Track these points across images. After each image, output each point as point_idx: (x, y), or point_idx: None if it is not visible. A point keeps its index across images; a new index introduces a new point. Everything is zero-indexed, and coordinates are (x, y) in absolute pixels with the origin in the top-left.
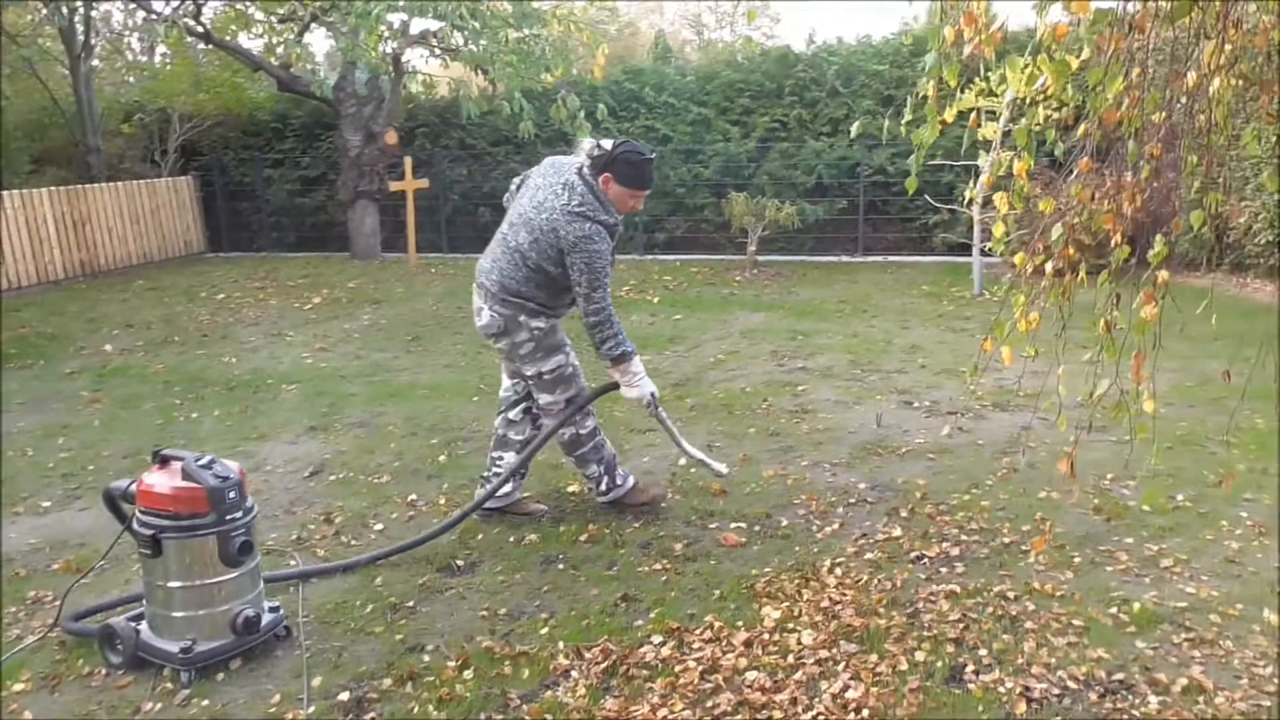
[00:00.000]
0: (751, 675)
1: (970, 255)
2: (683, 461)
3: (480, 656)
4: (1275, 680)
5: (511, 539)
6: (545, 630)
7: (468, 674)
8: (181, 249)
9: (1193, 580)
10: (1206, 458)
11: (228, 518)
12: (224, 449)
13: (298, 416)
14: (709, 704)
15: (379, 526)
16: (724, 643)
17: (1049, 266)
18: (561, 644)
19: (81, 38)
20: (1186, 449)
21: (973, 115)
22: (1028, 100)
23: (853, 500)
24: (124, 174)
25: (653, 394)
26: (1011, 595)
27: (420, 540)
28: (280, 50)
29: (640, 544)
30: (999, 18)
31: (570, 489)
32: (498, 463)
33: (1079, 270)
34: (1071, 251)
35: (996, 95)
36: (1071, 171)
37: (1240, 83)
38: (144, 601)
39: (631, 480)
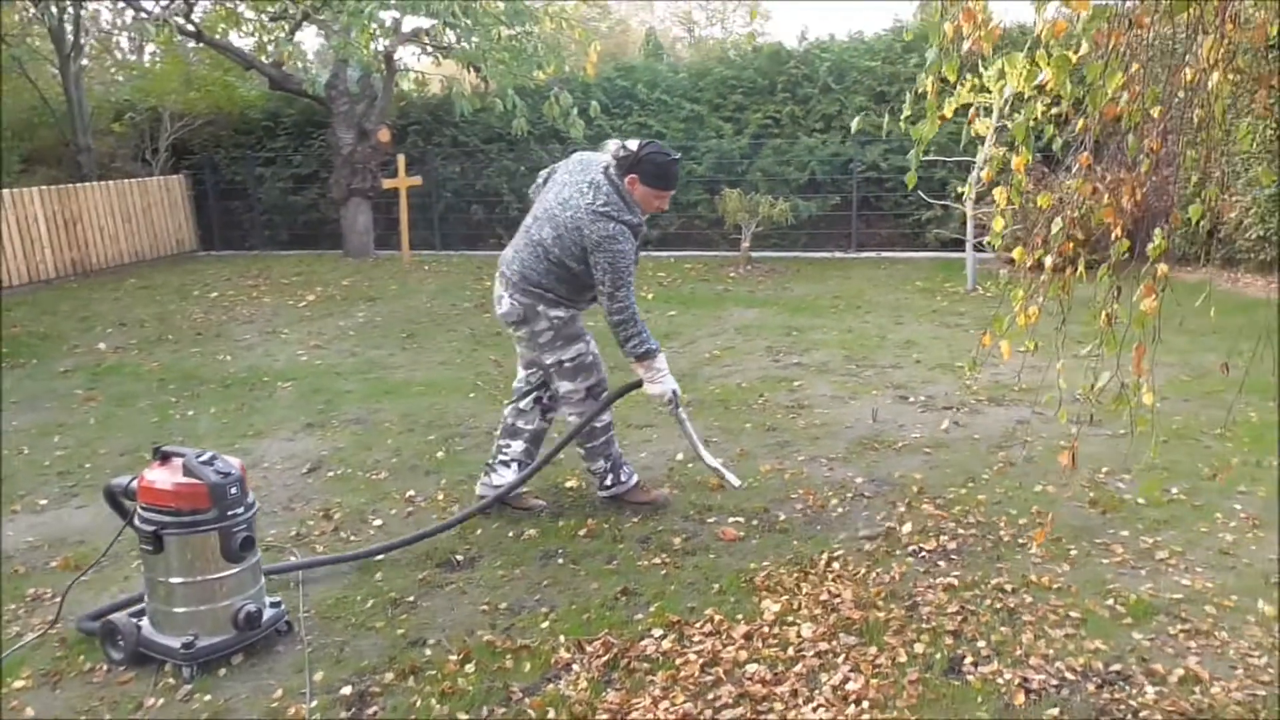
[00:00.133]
0: (752, 668)
1: (963, 251)
2: (680, 456)
3: (481, 650)
4: (1270, 670)
5: (510, 534)
6: (546, 624)
7: (469, 668)
8: (173, 247)
9: (1188, 572)
10: (1201, 451)
11: (229, 513)
12: (221, 446)
13: (294, 413)
14: (710, 696)
15: (378, 522)
16: (724, 636)
17: (1048, 261)
18: (562, 637)
19: (71, 37)
20: (1181, 442)
21: (971, 111)
22: (1025, 95)
23: (850, 495)
24: (115, 173)
25: (675, 391)
26: (1009, 588)
27: (446, 526)
28: (271, 48)
29: (639, 538)
30: (995, 15)
31: (569, 484)
32: (504, 450)
33: (1078, 265)
34: (1071, 246)
35: (989, 91)
36: (1068, 167)
37: (1238, 78)
38: (145, 597)
39: (635, 479)
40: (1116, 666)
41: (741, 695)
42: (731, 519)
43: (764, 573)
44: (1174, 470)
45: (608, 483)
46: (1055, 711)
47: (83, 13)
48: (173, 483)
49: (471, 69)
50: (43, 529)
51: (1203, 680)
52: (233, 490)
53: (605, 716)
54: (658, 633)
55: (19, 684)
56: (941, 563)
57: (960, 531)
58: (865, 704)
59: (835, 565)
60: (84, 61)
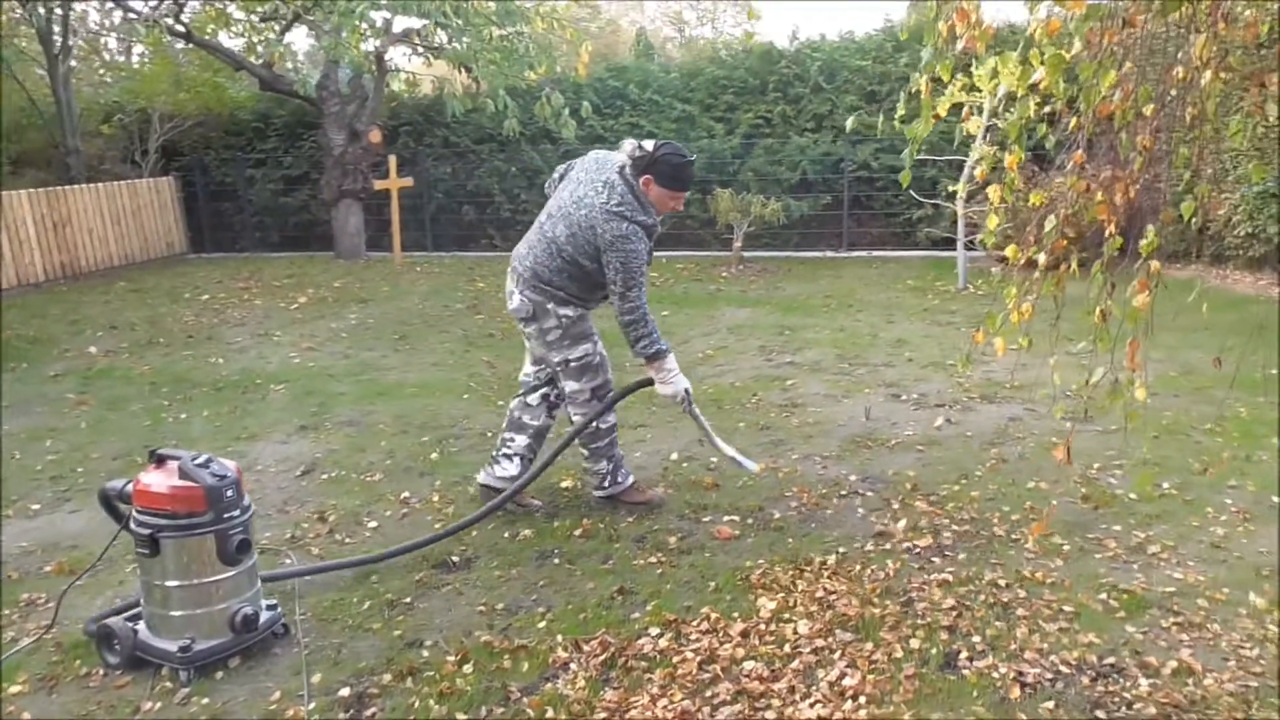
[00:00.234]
0: (749, 665)
1: (954, 250)
2: (674, 456)
3: (479, 651)
4: (1263, 661)
5: (506, 535)
6: (543, 624)
7: (467, 668)
8: (163, 250)
9: (1180, 566)
10: (1191, 446)
11: (225, 516)
12: (214, 449)
13: (287, 416)
14: (708, 694)
15: (373, 524)
16: (721, 634)
17: (1041, 258)
18: (560, 637)
19: (59, 38)
20: (1172, 438)
21: (965, 110)
22: (1019, 94)
23: (844, 492)
24: (104, 175)
25: (687, 390)
26: (1003, 583)
27: (462, 525)
28: (261, 49)
29: (635, 538)
30: (988, 14)
31: (564, 484)
32: (508, 443)
33: (1070, 262)
34: (1064, 243)
35: (979, 90)
36: (1057, 165)
37: (1230, 76)
38: (141, 601)
39: (631, 479)
40: (1110, 659)
41: (739, 692)
42: (727, 518)
43: (760, 571)
44: (1165, 465)
45: (605, 483)
46: (1051, 705)
47: (71, 14)
48: (169, 486)
49: (463, 69)
50: (36, 534)
51: (1196, 672)
52: (229, 493)
53: (604, 715)
54: (655, 631)
55: (15, 689)
56: (936, 559)
57: (954, 528)
58: (862, 699)
59: (831, 562)
60: (72, 63)
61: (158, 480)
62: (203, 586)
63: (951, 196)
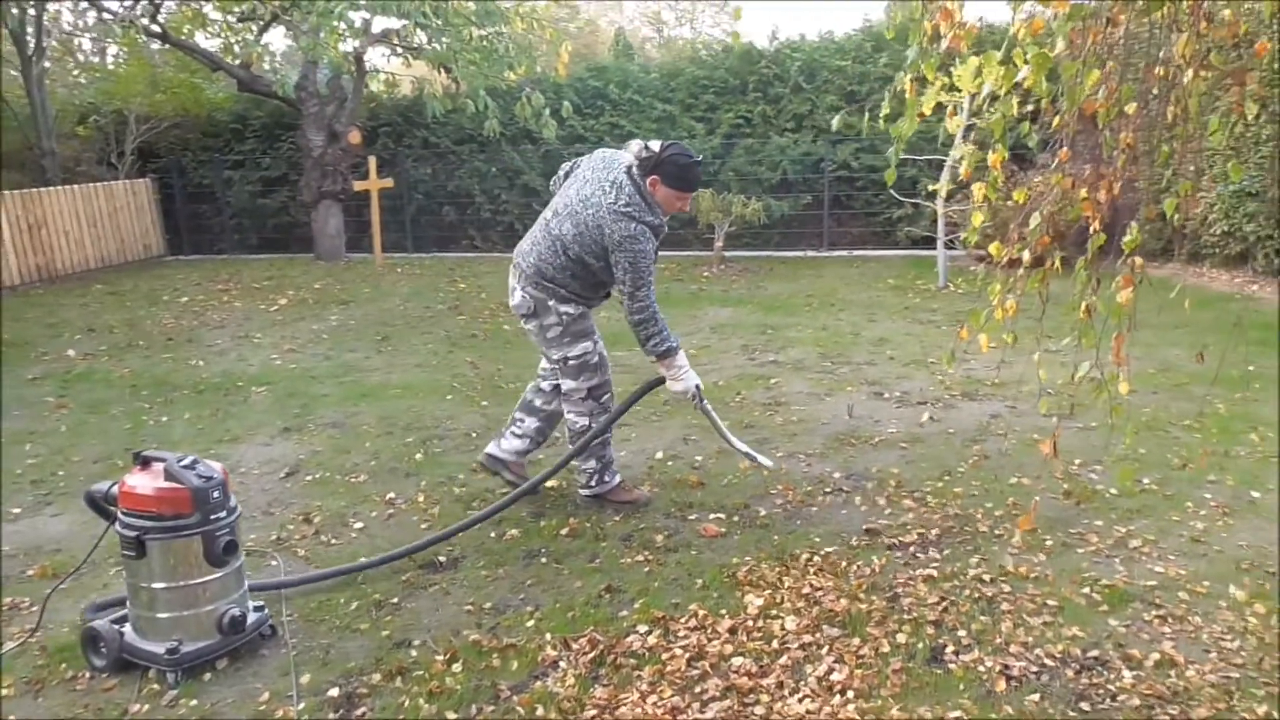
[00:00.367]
0: (737, 661)
1: (934, 249)
2: (659, 454)
3: (468, 650)
4: (1243, 653)
5: (493, 534)
6: (531, 623)
7: (456, 667)
8: (141, 252)
9: (1161, 560)
10: (1171, 442)
11: (212, 518)
12: (197, 452)
13: (270, 418)
14: (697, 690)
15: (359, 525)
16: (709, 630)
17: (1026, 255)
18: (548, 635)
19: (32, 39)
20: (1151, 434)
21: (950, 109)
22: (1004, 92)
23: (828, 489)
24: (80, 177)
25: (698, 386)
26: (987, 578)
27: (483, 517)
28: (239, 49)
29: (621, 537)
30: (971, 14)
31: (549, 484)
32: (518, 423)
33: (1053, 259)
34: (1048, 240)
35: (959, 90)
36: (1040, 164)
37: (1211, 74)
38: (126, 603)
39: (618, 479)
40: (1094, 652)
41: (728, 688)
42: (713, 515)
43: (746, 568)
44: (1145, 461)
45: (592, 482)
46: (1036, 697)
47: (44, 14)
48: (154, 488)
49: (442, 70)
50: (17, 538)
51: (1178, 664)
52: (215, 494)
53: (594, 712)
54: (643, 629)
55: (1, 692)
56: (921, 555)
57: (938, 524)
58: (850, 694)
59: (817, 559)
60: (46, 64)
61: (143, 482)
62: (190, 588)
63: (931, 196)
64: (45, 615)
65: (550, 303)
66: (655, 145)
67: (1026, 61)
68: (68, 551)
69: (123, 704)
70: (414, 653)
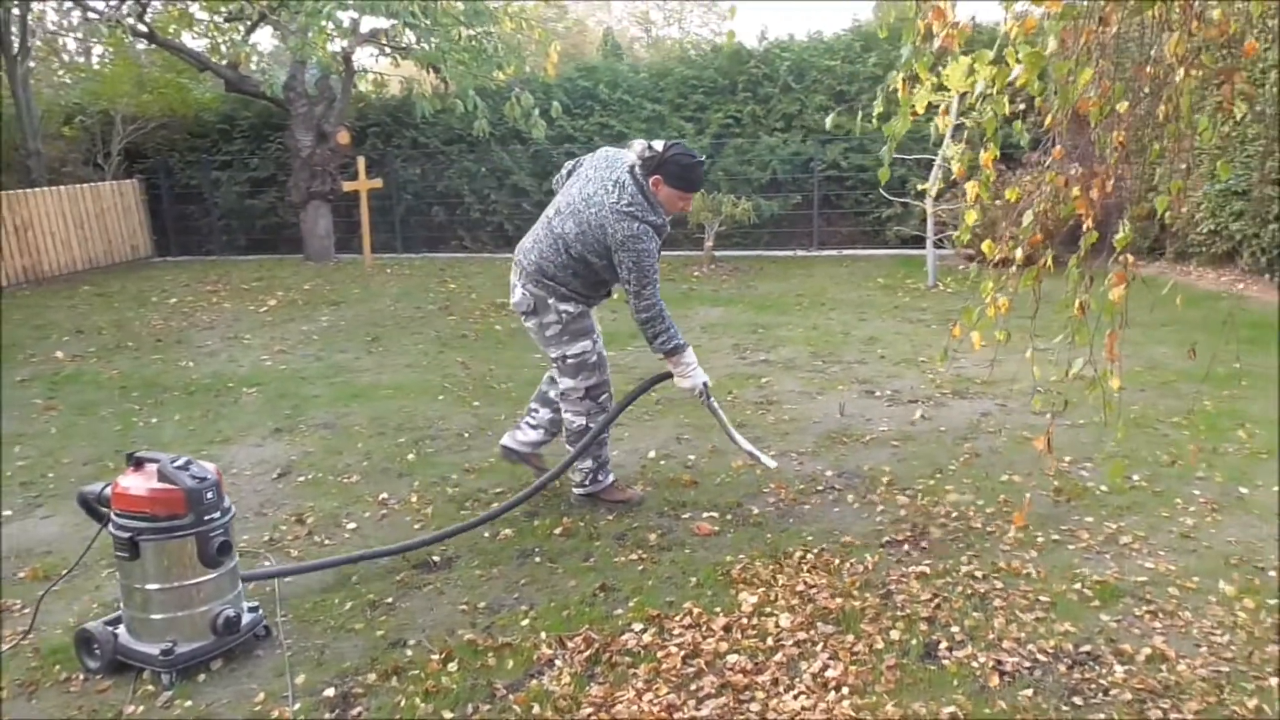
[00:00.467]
0: (732, 658)
1: (923, 248)
2: (652, 454)
3: (463, 649)
4: (1233, 647)
5: (486, 534)
6: (526, 622)
7: (452, 666)
8: (128, 254)
9: (1151, 555)
10: (1159, 439)
11: (206, 518)
12: (188, 453)
13: (261, 419)
14: (693, 687)
15: (352, 525)
16: (704, 628)
17: (1019, 253)
18: (543, 634)
19: (16, 39)
20: (1140, 431)
21: (942, 107)
22: (996, 91)
23: (821, 488)
24: (66, 178)
25: (705, 384)
26: (980, 575)
27: (508, 507)
28: (226, 49)
29: (615, 536)
30: (963, 13)
31: (536, 480)
32: (533, 413)
33: (1046, 257)
34: (1040, 238)
35: (947, 90)
36: (1034, 161)
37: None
38: (120, 605)
39: (611, 478)
40: (1086, 647)
41: (723, 685)
42: (706, 514)
43: (740, 566)
44: (1134, 458)
45: (586, 481)
46: (1029, 692)
47: (29, 14)
48: (148, 488)
49: (431, 70)
50: (8, 540)
51: (1169, 658)
52: (209, 495)
53: (590, 710)
54: (638, 627)
55: None
56: (913, 552)
57: (930, 521)
58: (845, 690)
59: (810, 557)
60: (30, 64)
61: (136, 483)
62: (184, 589)
63: (921, 195)
64: (38, 618)
65: (550, 301)
66: (658, 145)
67: (1019, 61)
68: (58, 554)
69: (117, 705)
70: (409, 652)
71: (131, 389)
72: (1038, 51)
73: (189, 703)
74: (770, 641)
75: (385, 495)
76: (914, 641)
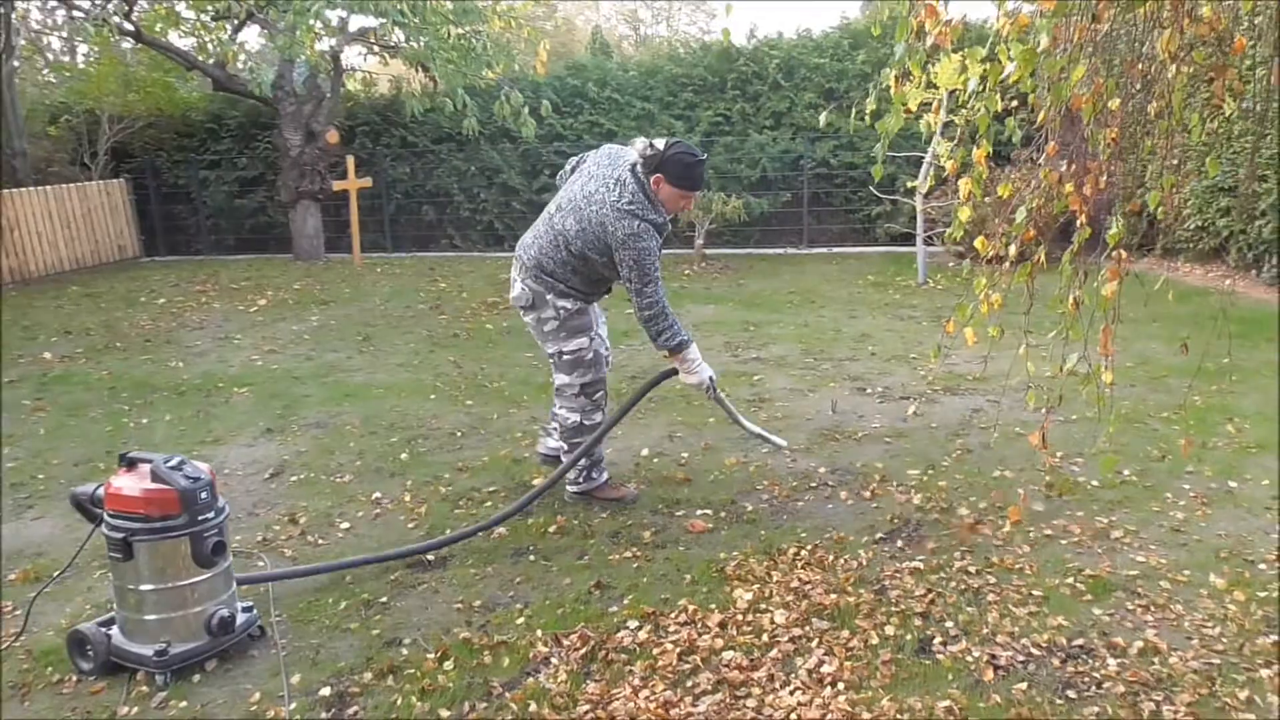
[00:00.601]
0: (728, 655)
1: (913, 245)
2: (645, 451)
3: (459, 648)
4: (1224, 640)
5: (480, 533)
6: (522, 620)
7: (448, 665)
8: (115, 254)
9: (1142, 549)
10: (1150, 434)
11: (200, 519)
12: (179, 454)
13: (253, 419)
14: (689, 684)
15: (345, 525)
16: (699, 625)
17: (1012, 249)
18: (539, 632)
19: (1, 38)
20: (1130, 426)
21: (935, 104)
22: (989, 88)
23: (814, 484)
24: (52, 178)
25: (711, 378)
26: (973, 570)
27: (526, 503)
28: (213, 48)
29: (609, 533)
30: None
31: (535, 481)
32: (555, 417)
33: (1039, 253)
34: (1032, 235)
35: (936, 87)
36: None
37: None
38: (113, 606)
39: (605, 476)
40: (1079, 641)
41: (720, 681)
42: (700, 511)
43: (734, 562)
44: (1124, 453)
45: (580, 479)
46: (1023, 686)
47: (12, 12)
48: (141, 489)
49: (420, 68)
50: None
51: (1161, 651)
52: (203, 495)
53: (586, 707)
54: (633, 624)
55: None
56: (907, 548)
57: (923, 517)
58: (840, 685)
59: (804, 553)
60: (14, 62)
61: (130, 483)
62: (178, 589)
63: (910, 192)
64: (30, 620)
65: (549, 297)
66: (660, 143)
67: (1011, 58)
68: (49, 555)
69: (111, 706)
70: (405, 651)
71: (121, 389)
72: (1031, 48)
73: (184, 703)
74: (765, 638)
75: (378, 495)
76: (909, 637)
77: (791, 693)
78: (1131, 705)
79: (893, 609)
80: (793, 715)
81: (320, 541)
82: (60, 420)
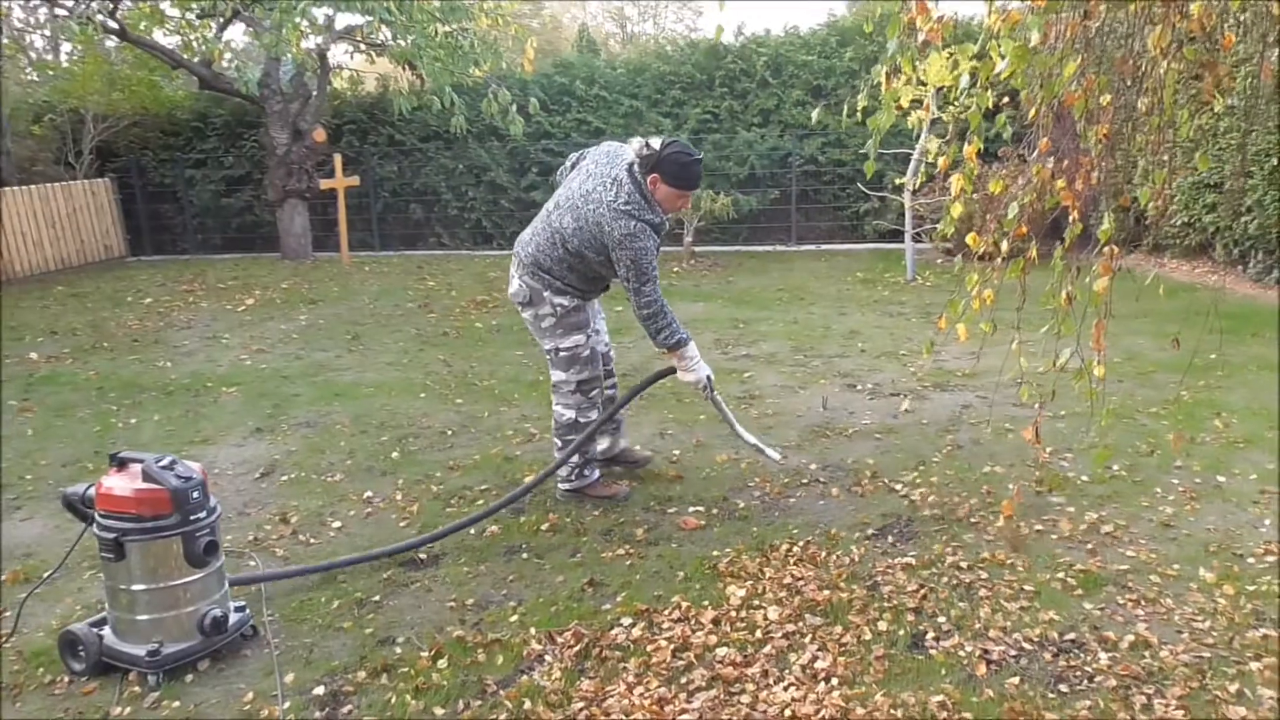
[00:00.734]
0: (722, 651)
1: (901, 242)
2: (637, 449)
3: (453, 646)
4: (1214, 633)
5: (473, 531)
6: (515, 618)
7: (442, 663)
8: (101, 253)
9: (1132, 544)
10: (1138, 429)
11: (192, 518)
12: (169, 453)
13: (242, 418)
14: (683, 680)
15: (337, 524)
16: (692, 621)
17: (1004, 245)
18: (533, 630)
19: None
20: (1119, 421)
21: (925, 102)
22: (981, 85)
23: (805, 481)
24: (37, 177)
25: (709, 377)
26: (964, 565)
27: (484, 515)
28: (198, 46)
29: (601, 531)
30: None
31: (527, 479)
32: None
33: (1030, 249)
34: (1024, 230)
35: (925, 85)
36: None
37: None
38: (105, 606)
39: (597, 474)
40: (1071, 635)
41: (714, 678)
42: (692, 509)
43: (727, 559)
44: (1113, 448)
45: (572, 476)
46: (1016, 680)
47: None
48: (133, 489)
49: (407, 66)
50: None
51: (1152, 645)
52: (195, 495)
53: (581, 704)
54: (627, 621)
55: None
56: (899, 543)
57: (914, 513)
58: (834, 681)
59: (796, 549)
60: None
61: (121, 483)
62: (170, 589)
63: (899, 189)
64: (20, 621)
65: (545, 293)
66: (656, 143)
67: (1002, 55)
68: (38, 556)
69: (104, 707)
70: (398, 650)
71: (109, 390)
72: (1023, 45)
73: (176, 703)
74: (759, 634)
75: (370, 493)
76: (901, 632)
77: (785, 689)
78: (1123, 699)
79: (885, 604)
80: (787, 711)
81: (312, 540)
82: (48, 421)
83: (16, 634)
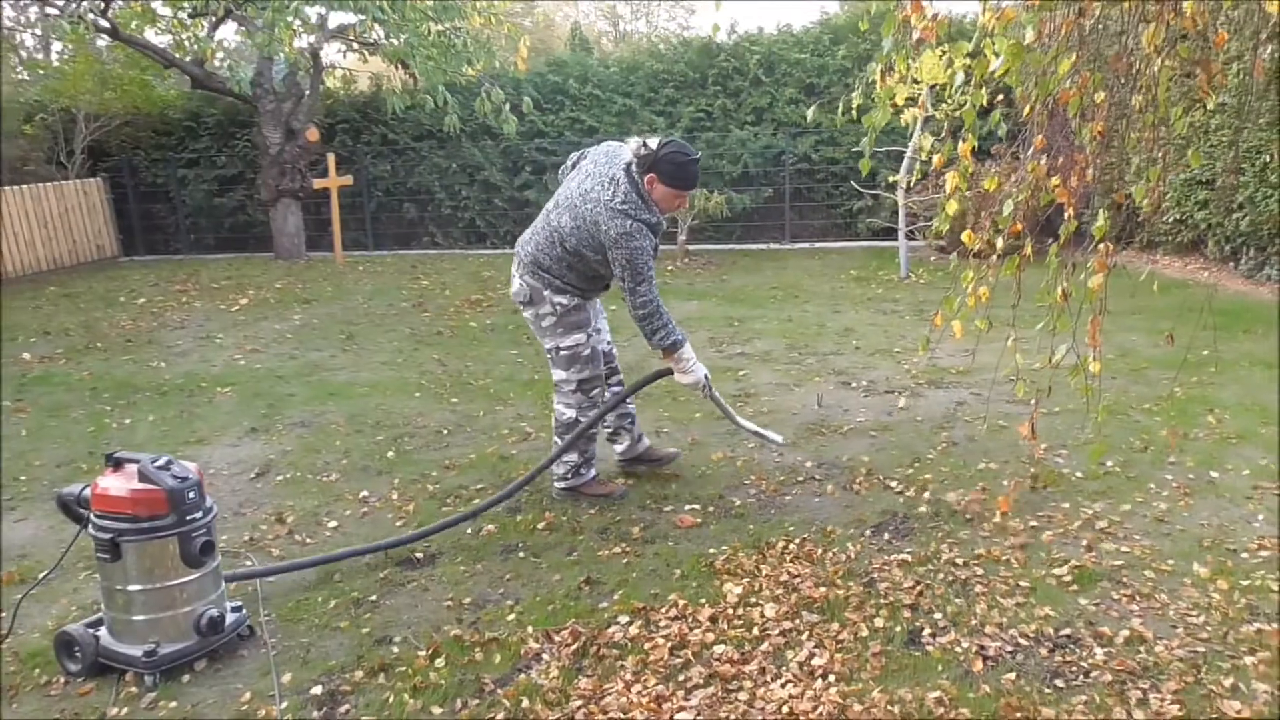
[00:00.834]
0: (719, 648)
1: (894, 240)
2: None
3: (450, 645)
4: (1208, 628)
5: (469, 530)
6: (512, 616)
7: (439, 662)
8: (93, 253)
9: (1126, 540)
10: (1132, 425)
11: (188, 518)
12: (164, 453)
13: (236, 418)
14: (681, 678)
15: (333, 524)
16: (690, 619)
17: (999, 242)
18: (530, 629)
19: None
20: (1112, 417)
21: (920, 100)
22: (976, 83)
23: (801, 478)
24: (28, 177)
25: (706, 377)
26: (960, 561)
27: (478, 511)
28: (190, 45)
29: (598, 529)
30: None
31: (519, 478)
32: (605, 428)
33: (1025, 245)
34: (1019, 228)
35: (918, 83)
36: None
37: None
38: (102, 607)
39: (594, 472)
40: (1066, 631)
41: (711, 675)
42: (688, 506)
43: (724, 557)
44: (1107, 444)
45: (569, 475)
46: (1012, 676)
47: None
48: (129, 489)
49: (400, 65)
50: None
51: (1147, 640)
52: (191, 495)
53: (579, 703)
54: (624, 619)
55: None
56: (895, 540)
57: (909, 509)
58: (831, 678)
59: (792, 547)
60: None
61: (116, 484)
62: (166, 590)
63: (892, 187)
64: (15, 622)
65: (545, 292)
66: (653, 143)
67: (996, 53)
68: (34, 557)
69: (100, 708)
70: (396, 649)
71: (102, 390)
72: (1017, 43)
73: (173, 704)
74: (756, 631)
75: (365, 493)
76: (898, 628)
77: (783, 685)
78: (1119, 694)
79: (882, 601)
80: (784, 708)
81: (308, 540)
82: (41, 421)
83: (12, 635)
